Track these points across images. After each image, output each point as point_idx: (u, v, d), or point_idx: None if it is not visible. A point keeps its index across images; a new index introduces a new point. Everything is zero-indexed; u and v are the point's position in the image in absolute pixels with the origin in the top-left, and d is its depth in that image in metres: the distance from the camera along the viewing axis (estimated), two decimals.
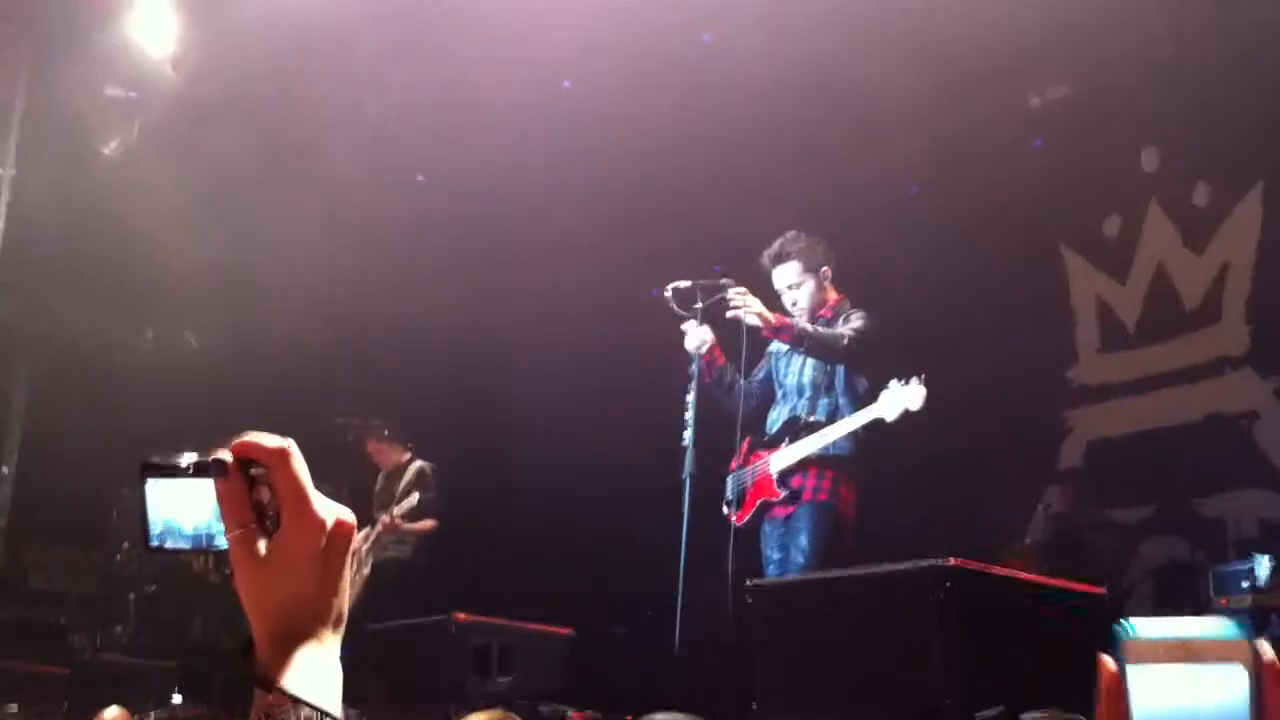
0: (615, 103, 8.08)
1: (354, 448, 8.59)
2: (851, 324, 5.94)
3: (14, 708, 7.30)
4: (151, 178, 9.06)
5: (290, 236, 8.67)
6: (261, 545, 1.20)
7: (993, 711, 4.23)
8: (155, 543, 1.24)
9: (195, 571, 8.93)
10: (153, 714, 7.43)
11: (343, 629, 1.23)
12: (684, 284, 6.07)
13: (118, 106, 9.40)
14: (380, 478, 8.48)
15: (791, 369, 6.19)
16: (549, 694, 6.06)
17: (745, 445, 6.19)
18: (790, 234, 6.21)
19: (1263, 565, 5.43)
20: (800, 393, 6.11)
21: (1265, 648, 1.11)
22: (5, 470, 9.38)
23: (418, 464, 8.28)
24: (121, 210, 8.90)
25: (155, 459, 1.23)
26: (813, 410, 6.01)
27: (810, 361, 6.08)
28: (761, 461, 6.05)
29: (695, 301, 6.06)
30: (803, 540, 5.81)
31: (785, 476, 5.93)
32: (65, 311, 9.53)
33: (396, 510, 8.03)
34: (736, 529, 6.02)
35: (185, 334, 10.27)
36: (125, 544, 9.31)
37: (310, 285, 8.57)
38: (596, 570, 7.96)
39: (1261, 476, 6.96)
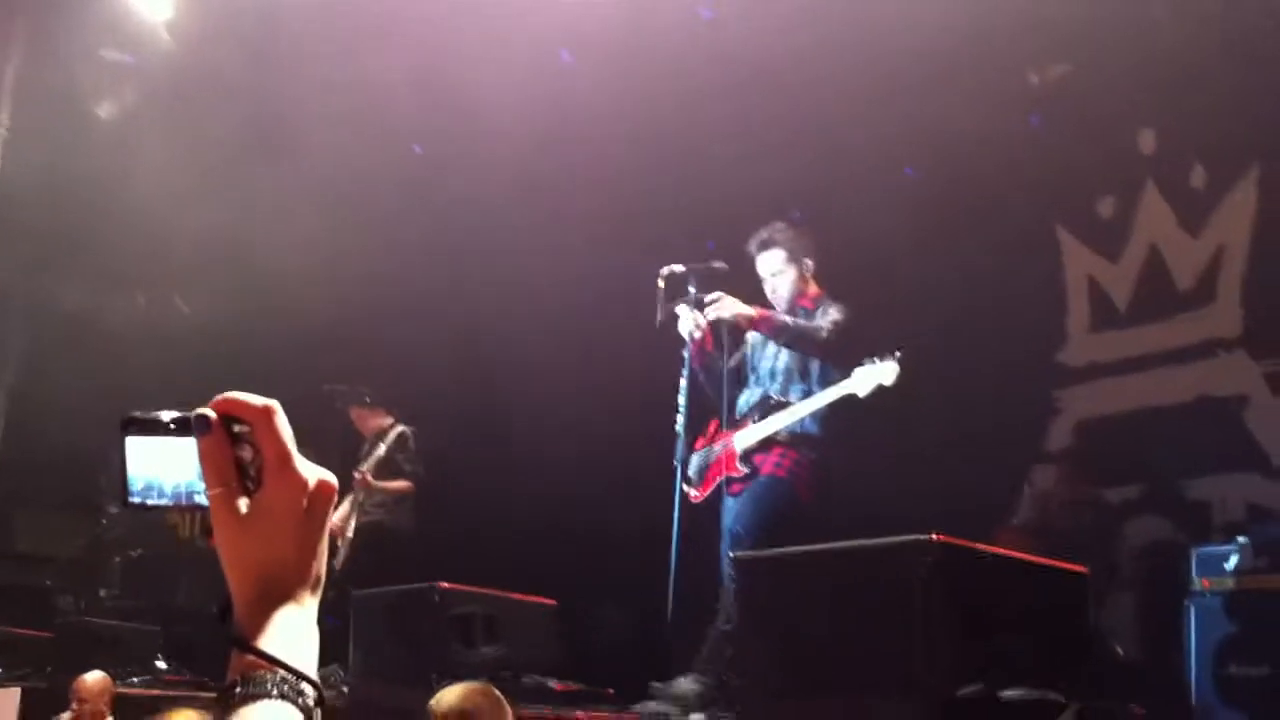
0: (613, 82, 8.07)
1: (341, 414, 8.61)
2: (830, 316, 6.00)
3: None
4: (146, 142, 9.05)
5: (284, 204, 8.67)
6: (243, 504, 1.19)
7: (974, 688, 4.25)
8: (135, 499, 1.23)
9: (182, 536, 8.94)
10: (135, 679, 7.46)
11: (320, 592, 1.22)
12: (678, 268, 6.14)
13: (113, 70, 9.37)
14: (365, 445, 8.51)
15: (767, 354, 6.26)
16: (533, 665, 6.07)
17: (713, 426, 6.28)
18: (778, 224, 6.30)
19: (1243, 547, 5.43)
20: (773, 377, 6.18)
21: None
22: None
23: (398, 428, 8.31)
24: (115, 174, 8.89)
25: (136, 414, 1.22)
26: (785, 393, 6.06)
27: (788, 354, 6.15)
28: (727, 439, 6.10)
29: (689, 286, 6.10)
30: (748, 511, 5.89)
31: (749, 454, 6.00)
32: (55, 275, 9.51)
33: (364, 466, 8.09)
34: (696, 506, 6.09)
35: (176, 299, 10.24)
36: (112, 508, 9.31)
37: (303, 253, 8.55)
38: (588, 547, 7.98)
39: (1250, 460, 6.95)
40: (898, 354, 5.54)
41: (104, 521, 9.35)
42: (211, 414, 1.19)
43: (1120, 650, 6.36)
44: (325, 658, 1.21)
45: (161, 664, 8.01)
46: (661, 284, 6.14)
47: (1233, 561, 5.42)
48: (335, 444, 8.61)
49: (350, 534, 8.05)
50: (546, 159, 8.54)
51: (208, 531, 1.20)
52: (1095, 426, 7.68)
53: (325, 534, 1.23)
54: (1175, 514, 7.06)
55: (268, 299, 9.00)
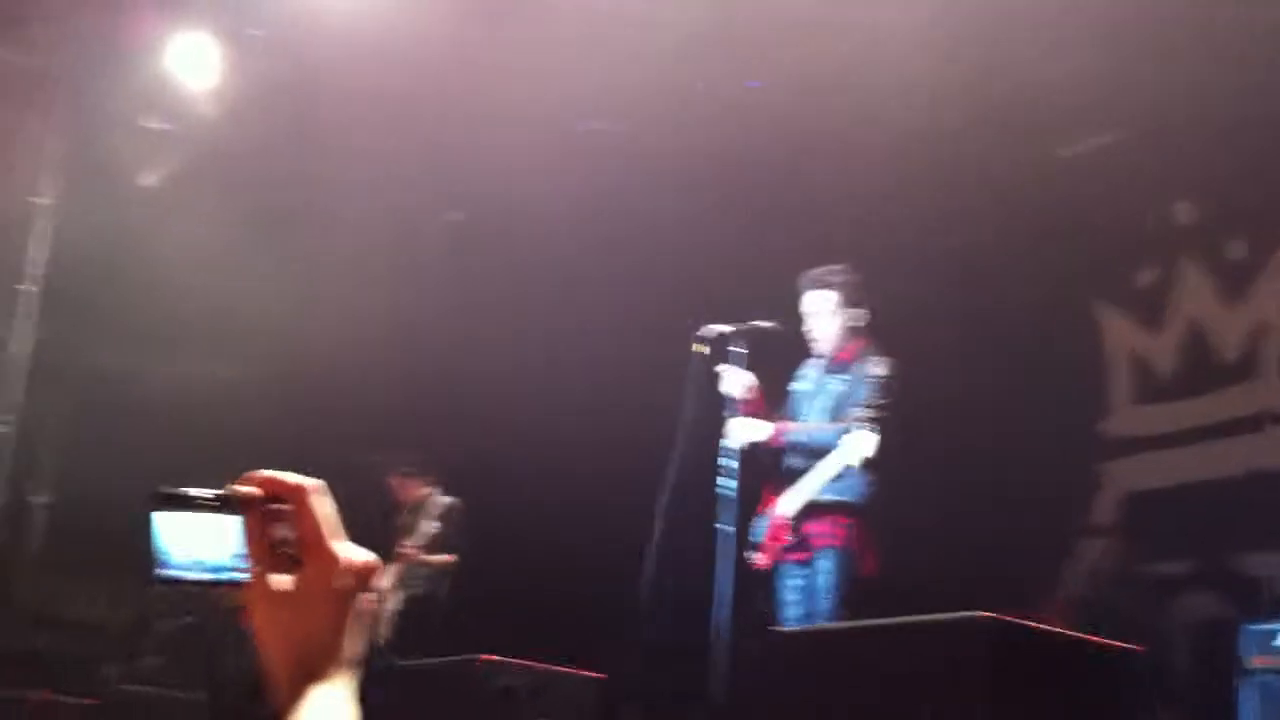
0: (653, 139, 8.11)
1: (380, 485, 8.60)
2: (871, 372, 5.90)
3: None
4: (186, 209, 9.14)
5: (323, 271, 8.73)
6: (278, 581, 1.20)
7: None
8: (166, 573, 1.22)
9: (226, 606, 8.89)
10: None
11: (355, 671, 1.22)
12: (726, 328, 5.96)
13: (155, 139, 9.48)
14: (405, 514, 8.50)
15: (808, 411, 6.13)
16: None
17: (766, 491, 6.16)
18: (838, 267, 6.16)
19: None
20: None
21: None
22: (40, 500, 9.42)
23: (441, 499, 8.30)
24: (156, 242, 8.97)
25: (169, 489, 1.21)
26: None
27: (827, 404, 6.04)
28: (774, 505, 6.03)
29: (735, 345, 5.98)
30: (820, 586, 5.80)
31: (797, 522, 5.90)
32: (99, 342, 9.58)
33: (411, 541, 8.07)
34: (753, 575, 5.99)
35: (215, 369, 10.28)
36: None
37: (340, 323, 8.61)
38: (630, 615, 7.91)
39: None
40: (874, 425, 5.47)
41: (151, 589, 9.30)
42: (250, 491, 1.20)
43: None
44: None
45: None
46: (704, 348, 5.92)
47: None
48: (374, 514, 8.60)
49: (394, 606, 8.01)
50: (584, 223, 8.58)
51: (241, 609, 1.21)
52: (1142, 500, 7.61)
53: (359, 613, 1.23)
54: (1225, 589, 6.98)
55: (305, 367, 9.05)
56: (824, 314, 6.09)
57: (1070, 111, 7.61)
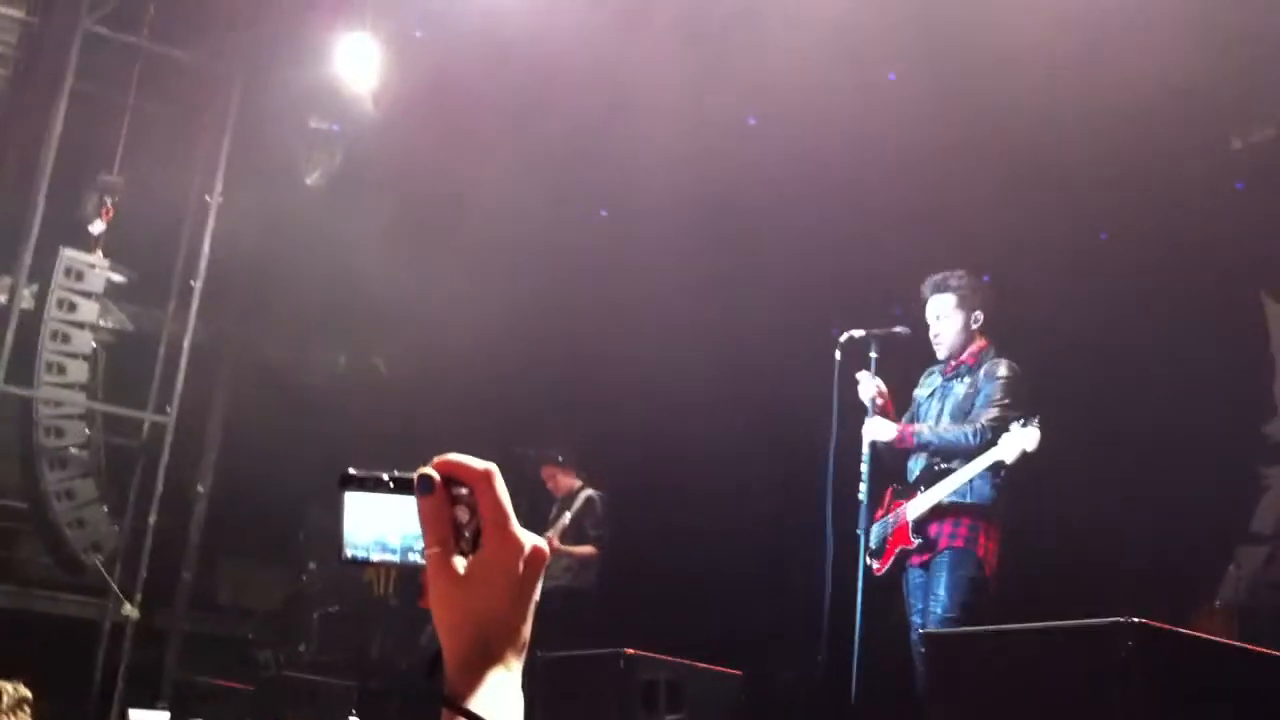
0: (796, 143, 8.07)
1: (532, 475, 8.75)
2: (996, 372, 5.90)
3: None
4: (347, 207, 9.41)
5: (480, 267, 8.88)
6: (459, 563, 1.22)
7: None
8: (350, 554, 1.26)
9: (376, 594, 9.15)
10: None
11: (524, 657, 1.25)
12: (858, 333, 6.05)
13: (321, 138, 9.77)
14: (555, 505, 8.63)
15: (930, 414, 6.13)
16: None
17: (889, 494, 6.17)
18: (959, 270, 6.19)
19: None
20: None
21: None
22: (201, 489, 9.78)
23: (587, 492, 8.42)
24: (319, 238, 9.25)
25: (357, 471, 1.25)
26: (949, 459, 5.91)
27: (950, 407, 6.02)
28: (900, 509, 6.00)
29: (870, 351, 6.04)
30: (940, 588, 5.75)
31: (921, 524, 5.88)
32: (262, 335, 9.91)
33: (551, 531, 8.18)
34: (877, 579, 5.98)
35: (375, 361, 10.56)
36: (311, 564, 9.59)
37: (493, 317, 8.75)
38: (771, 614, 7.91)
39: None
40: (1038, 419, 5.47)
41: (303, 577, 9.61)
42: (434, 474, 1.22)
43: None
44: None
45: (355, 718, 8.19)
46: (838, 353, 6.03)
47: None
48: (524, 504, 8.75)
49: (537, 597, 8.14)
50: (727, 222, 8.58)
51: (420, 591, 1.23)
52: None
53: (535, 598, 1.26)
54: None
55: (462, 359, 9.22)
56: (941, 317, 6.12)
57: (1242, 101, 7.35)
